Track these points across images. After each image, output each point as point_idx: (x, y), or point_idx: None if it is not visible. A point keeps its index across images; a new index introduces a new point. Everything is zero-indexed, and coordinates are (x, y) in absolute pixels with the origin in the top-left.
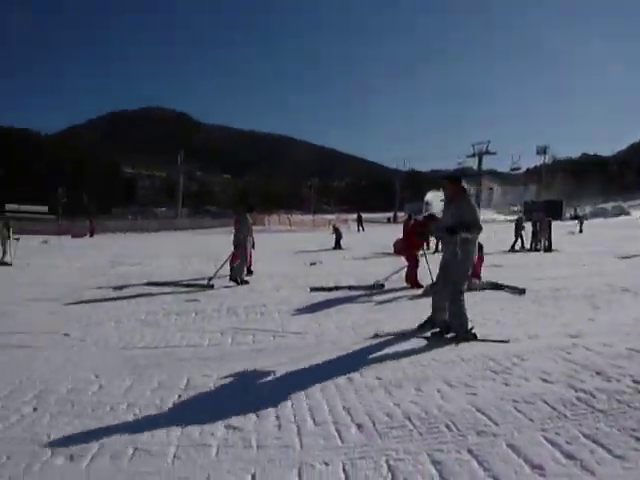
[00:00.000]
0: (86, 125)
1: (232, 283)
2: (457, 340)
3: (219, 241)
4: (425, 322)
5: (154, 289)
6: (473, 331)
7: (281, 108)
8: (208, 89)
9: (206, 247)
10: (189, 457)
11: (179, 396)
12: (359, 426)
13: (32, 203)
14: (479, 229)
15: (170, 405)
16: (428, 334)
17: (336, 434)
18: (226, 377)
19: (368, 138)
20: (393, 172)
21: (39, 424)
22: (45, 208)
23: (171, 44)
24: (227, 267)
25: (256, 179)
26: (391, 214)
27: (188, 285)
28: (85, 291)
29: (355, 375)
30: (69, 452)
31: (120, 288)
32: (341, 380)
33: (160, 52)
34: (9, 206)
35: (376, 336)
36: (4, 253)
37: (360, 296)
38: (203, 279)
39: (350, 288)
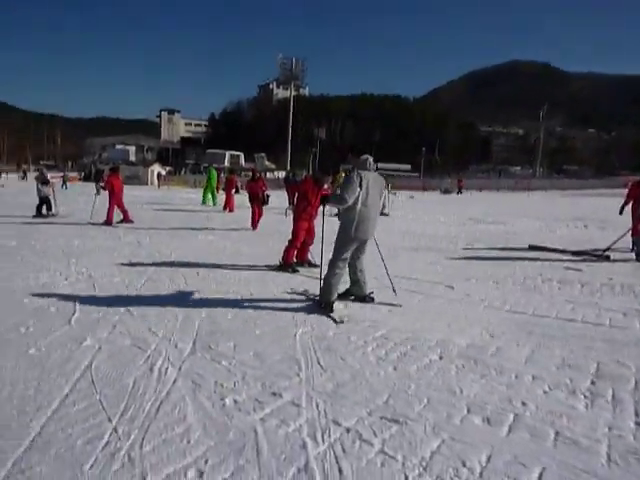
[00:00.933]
0: (446, 87)
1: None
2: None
3: (589, 205)
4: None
5: (515, 253)
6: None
7: None
8: (572, 34)
9: (572, 210)
10: (629, 466)
11: (592, 382)
12: None
13: (400, 162)
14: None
15: (582, 389)
16: None
17: None
18: None
19: None
20: None
21: (448, 374)
22: (408, 166)
23: None
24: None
25: (629, 131)
26: None
27: (576, 253)
28: (452, 244)
29: None
30: (485, 414)
31: (492, 249)
32: None
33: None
34: (379, 165)
35: None
36: (383, 207)
37: None
38: (588, 248)
39: None
